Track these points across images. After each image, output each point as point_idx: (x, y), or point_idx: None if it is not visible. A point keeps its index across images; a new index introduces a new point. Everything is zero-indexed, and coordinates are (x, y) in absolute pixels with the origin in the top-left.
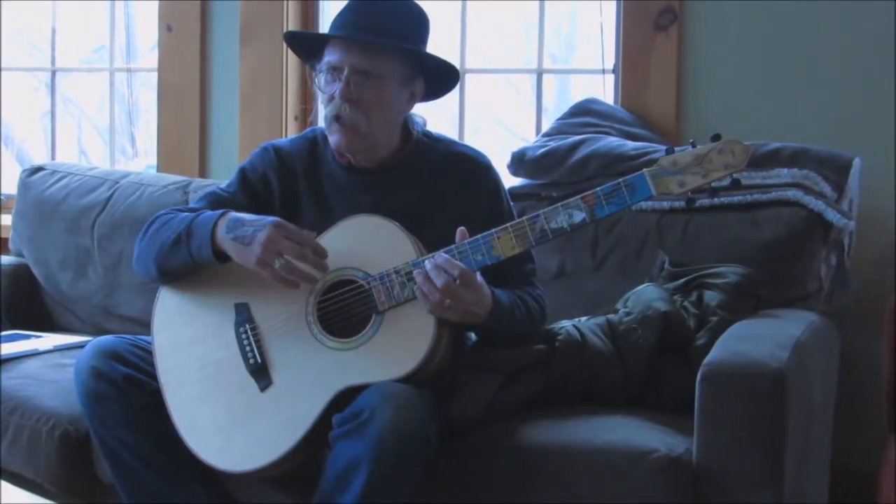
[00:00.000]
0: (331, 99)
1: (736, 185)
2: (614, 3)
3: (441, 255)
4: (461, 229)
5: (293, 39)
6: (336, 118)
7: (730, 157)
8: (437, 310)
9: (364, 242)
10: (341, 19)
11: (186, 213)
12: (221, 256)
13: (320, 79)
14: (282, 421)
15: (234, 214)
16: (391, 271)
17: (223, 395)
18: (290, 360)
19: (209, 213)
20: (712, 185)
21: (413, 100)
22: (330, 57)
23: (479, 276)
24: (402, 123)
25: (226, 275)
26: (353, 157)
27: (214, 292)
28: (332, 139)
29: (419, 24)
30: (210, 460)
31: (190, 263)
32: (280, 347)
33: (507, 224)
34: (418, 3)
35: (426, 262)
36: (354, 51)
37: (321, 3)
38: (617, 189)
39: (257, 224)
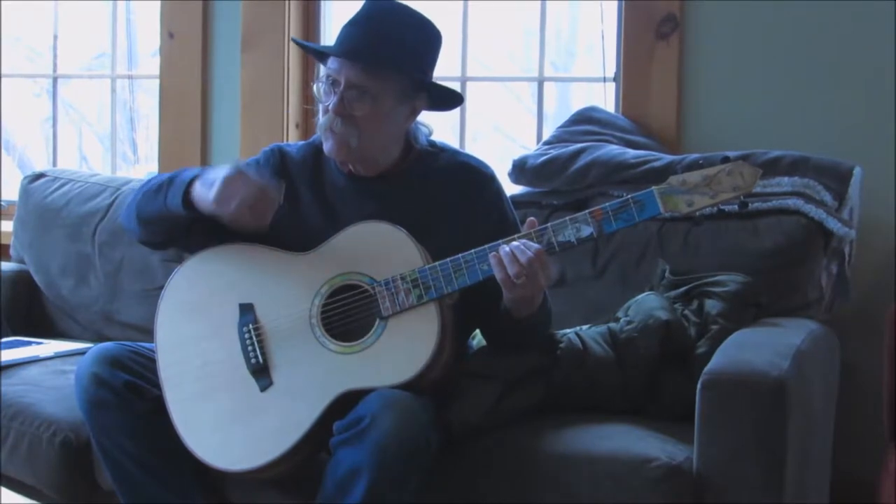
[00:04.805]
0: (326, 111)
1: (743, 207)
2: (615, 11)
3: (520, 241)
4: (531, 219)
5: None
6: (328, 129)
7: (739, 179)
8: (507, 281)
9: (371, 248)
10: (347, 30)
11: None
12: (190, 207)
13: (319, 88)
14: (280, 422)
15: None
16: (397, 277)
17: (223, 394)
18: (292, 361)
19: (199, 169)
20: (720, 206)
21: (414, 114)
22: (330, 67)
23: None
24: (405, 135)
25: (232, 275)
26: (351, 166)
27: (219, 291)
28: (325, 147)
29: (426, 40)
30: (207, 458)
31: (163, 211)
32: (282, 348)
33: (514, 235)
34: (428, 18)
35: (503, 246)
36: (351, 66)
37: (323, 4)
38: (625, 205)
39: (222, 168)
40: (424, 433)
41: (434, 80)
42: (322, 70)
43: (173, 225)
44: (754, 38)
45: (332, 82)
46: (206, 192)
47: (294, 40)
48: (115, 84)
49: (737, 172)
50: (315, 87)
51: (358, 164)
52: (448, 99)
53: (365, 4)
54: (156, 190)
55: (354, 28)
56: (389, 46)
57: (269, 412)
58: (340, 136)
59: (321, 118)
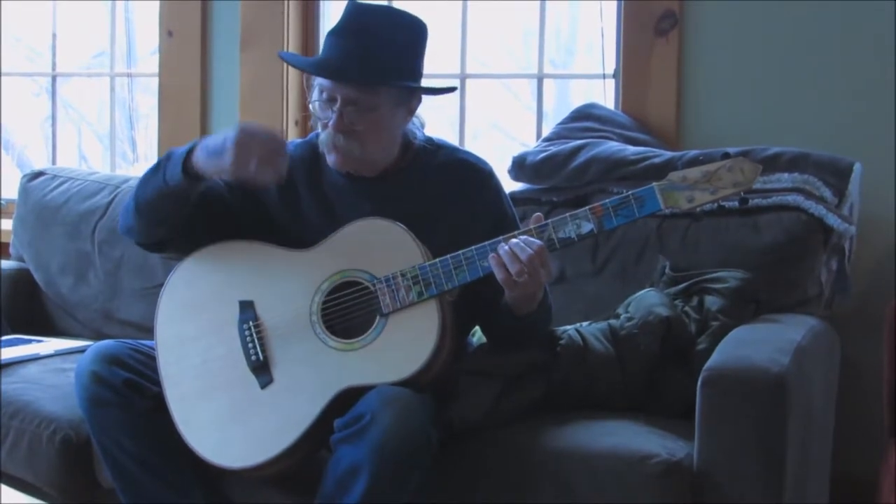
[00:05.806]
0: (325, 126)
1: (743, 203)
2: (614, 8)
3: (520, 237)
4: (537, 214)
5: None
6: (331, 144)
7: (739, 175)
8: (508, 280)
9: (371, 245)
10: (333, 42)
11: None
12: (193, 177)
13: (315, 105)
14: (281, 419)
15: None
16: (398, 274)
17: (224, 391)
18: (292, 358)
19: (191, 143)
20: (720, 203)
21: (411, 113)
22: (323, 82)
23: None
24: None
25: (231, 272)
26: (352, 168)
27: (219, 289)
28: (329, 160)
29: (415, 42)
30: (207, 456)
31: (163, 188)
32: (282, 346)
33: (515, 232)
34: (415, 12)
35: (502, 244)
36: (344, 83)
37: (322, 3)
38: (626, 202)
39: (225, 133)
40: (424, 431)
41: (429, 72)
42: (315, 83)
43: (174, 203)
44: (754, 34)
45: (329, 98)
46: (215, 159)
47: (281, 56)
48: (114, 83)
49: (737, 168)
50: (311, 106)
51: (359, 168)
52: (441, 90)
53: (347, 10)
54: (153, 171)
55: (341, 40)
56: (381, 59)
57: (269, 409)
58: (344, 151)
59: (322, 134)
